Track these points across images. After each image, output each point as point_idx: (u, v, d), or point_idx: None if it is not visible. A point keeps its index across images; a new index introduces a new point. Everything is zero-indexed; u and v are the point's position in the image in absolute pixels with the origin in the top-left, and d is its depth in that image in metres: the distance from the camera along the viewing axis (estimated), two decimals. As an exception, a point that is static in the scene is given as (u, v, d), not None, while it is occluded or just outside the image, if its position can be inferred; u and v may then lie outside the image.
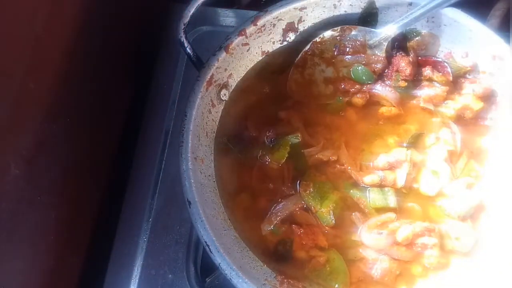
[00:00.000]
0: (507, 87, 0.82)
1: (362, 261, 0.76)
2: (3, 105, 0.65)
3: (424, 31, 0.87)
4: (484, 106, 0.83)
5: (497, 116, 0.83)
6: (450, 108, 0.84)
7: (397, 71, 0.85)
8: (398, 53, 0.86)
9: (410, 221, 0.76)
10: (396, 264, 0.75)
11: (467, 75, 0.86)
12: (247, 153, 0.83)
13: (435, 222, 0.77)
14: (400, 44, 0.88)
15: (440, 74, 0.86)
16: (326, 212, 0.77)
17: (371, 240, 0.75)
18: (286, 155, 0.81)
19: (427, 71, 0.86)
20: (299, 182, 0.80)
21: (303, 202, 0.79)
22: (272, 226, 0.77)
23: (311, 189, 0.78)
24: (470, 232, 0.76)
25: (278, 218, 0.78)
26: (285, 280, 0.73)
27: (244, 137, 0.84)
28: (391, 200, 0.78)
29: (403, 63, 0.84)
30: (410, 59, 0.85)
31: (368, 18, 0.89)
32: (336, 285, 0.73)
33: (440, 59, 0.87)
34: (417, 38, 0.88)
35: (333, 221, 0.77)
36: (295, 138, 0.83)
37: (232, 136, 0.85)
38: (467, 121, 0.83)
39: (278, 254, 0.77)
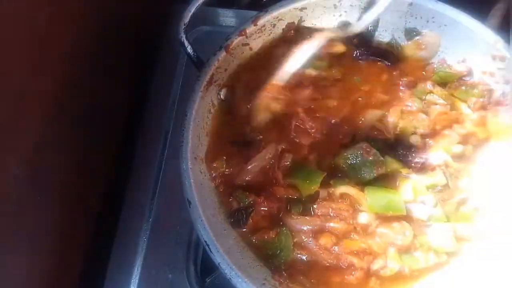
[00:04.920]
0: (507, 87, 0.82)
1: None
2: (3, 105, 0.65)
3: (425, 31, 0.87)
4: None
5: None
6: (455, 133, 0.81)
7: None
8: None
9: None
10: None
11: (463, 78, 0.86)
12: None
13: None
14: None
15: (440, 88, 0.84)
16: None
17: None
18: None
19: (428, 85, 0.85)
20: None
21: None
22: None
23: None
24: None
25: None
26: (284, 282, 0.74)
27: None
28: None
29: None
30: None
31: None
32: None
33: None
34: (417, 38, 0.88)
35: None
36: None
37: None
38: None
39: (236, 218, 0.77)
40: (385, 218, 0.76)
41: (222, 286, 0.84)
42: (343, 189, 0.77)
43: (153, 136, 0.99)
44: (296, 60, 0.82)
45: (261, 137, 0.81)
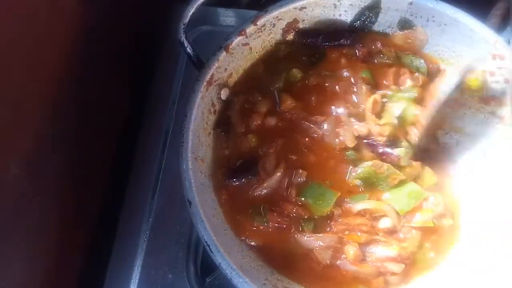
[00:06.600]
0: (507, 86, 0.82)
1: None
2: (3, 105, 0.65)
3: (418, 26, 0.87)
4: None
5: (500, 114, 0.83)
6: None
7: None
8: None
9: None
10: None
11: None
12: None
13: None
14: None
15: (388, 48, 0.87)
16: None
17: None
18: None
19: (378, 44, 0.87)
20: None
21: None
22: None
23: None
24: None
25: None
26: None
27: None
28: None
29: None
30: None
31: (369, 15, 0.89)
32: None
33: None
34: (408, 31, 0.88)
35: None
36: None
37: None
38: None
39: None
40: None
41: (222, 286, 0.84)
42: (362, 205, 0.77)
43: (153, 136, 0.99)
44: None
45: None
